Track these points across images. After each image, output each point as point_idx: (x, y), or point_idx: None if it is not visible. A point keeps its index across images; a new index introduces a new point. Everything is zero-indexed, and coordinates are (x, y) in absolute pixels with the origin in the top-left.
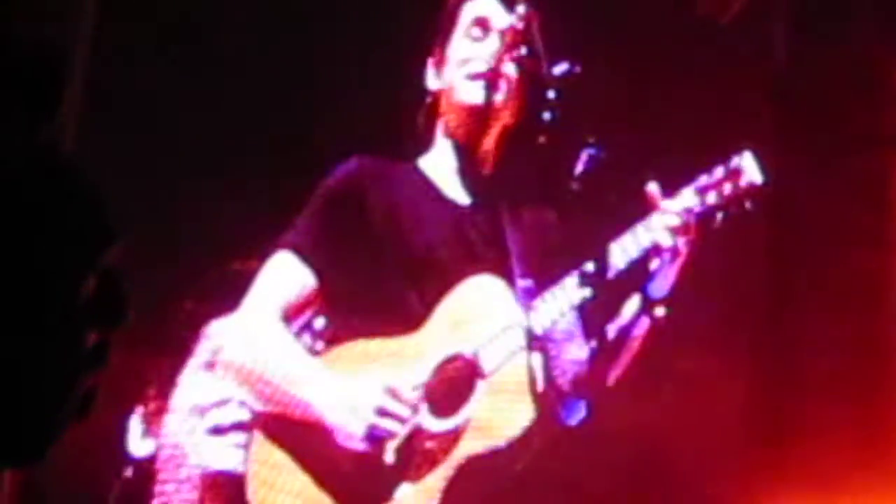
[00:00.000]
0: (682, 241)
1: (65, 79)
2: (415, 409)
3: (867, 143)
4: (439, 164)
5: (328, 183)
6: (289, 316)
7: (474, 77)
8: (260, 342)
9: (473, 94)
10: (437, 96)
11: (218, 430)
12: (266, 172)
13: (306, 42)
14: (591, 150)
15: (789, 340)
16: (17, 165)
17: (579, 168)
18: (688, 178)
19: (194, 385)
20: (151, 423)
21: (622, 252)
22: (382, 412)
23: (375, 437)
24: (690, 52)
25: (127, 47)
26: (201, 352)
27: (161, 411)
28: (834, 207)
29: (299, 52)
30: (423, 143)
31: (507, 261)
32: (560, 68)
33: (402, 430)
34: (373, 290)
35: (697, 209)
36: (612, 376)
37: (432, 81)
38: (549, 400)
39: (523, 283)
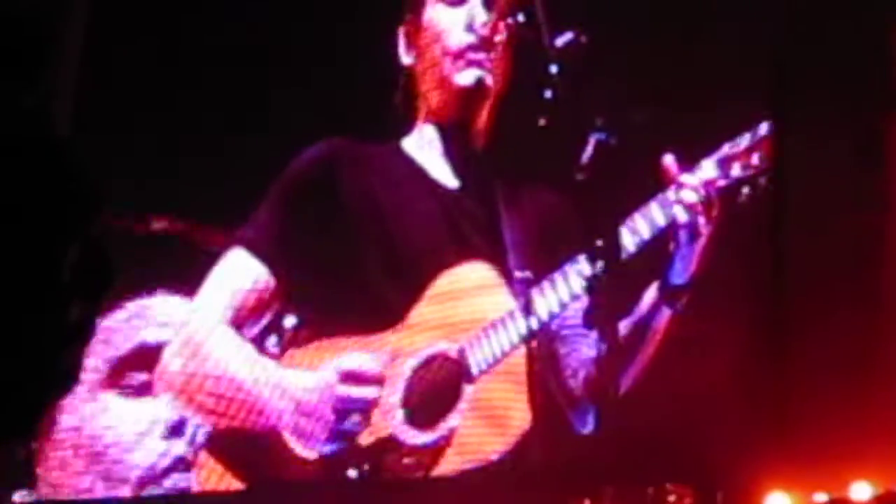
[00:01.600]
0: (702, 220)
1: (47, 47)
2: (380, 382)
3: (871, 105)
4: (425, 145)
5: (292, 169)
6: (242, 319)
7: (463, 52)
8: (206, 349)
9: (464, 77)
10: (412, 73)
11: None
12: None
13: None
14: (600, 135)
15: (790, 306)
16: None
17: (586, 155)
18: (706, 150)
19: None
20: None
21: (632, 233)
22: (343, 402)
23: (340, 435)
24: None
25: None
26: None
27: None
28: (836, 172)
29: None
30: (405, 122)
31: (501, 249)
32: (563, 38)
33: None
34: (347, 284)
35: (720, 182)
36: (627, 381)
37: (406, 56)
38: (552, 406)
39: (520, 274)
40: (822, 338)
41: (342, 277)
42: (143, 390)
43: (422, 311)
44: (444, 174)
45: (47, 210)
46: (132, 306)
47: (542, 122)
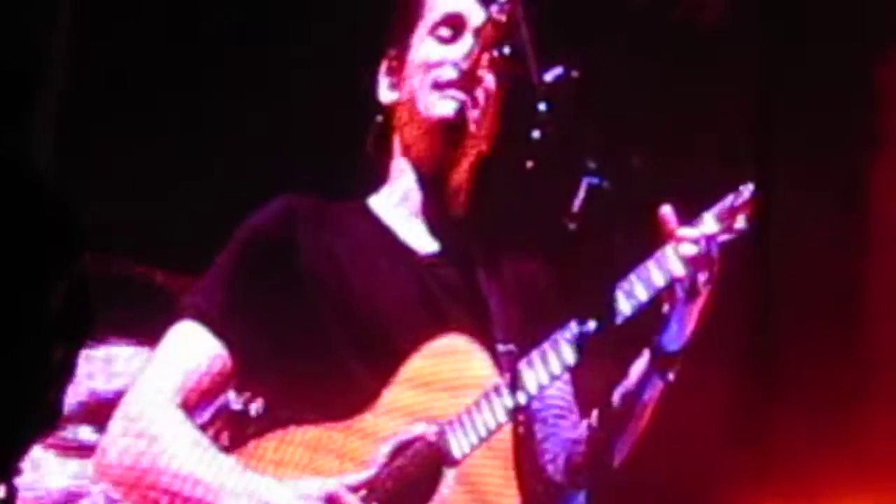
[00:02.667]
0: (702, 277)
1: (31, 90)
2: None
3: (849, 145)
4: (396, 203)
5: (247, 228)
6: (193, 402)
7: (442, 85)
8: (155, 439)
9: (441, 107)
10: (390, 113)
11: None
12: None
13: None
14: (593, 179)
15: (773, 347)
16: None
17: (577, 202)
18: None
19: None
20: None
21: (628, 297)
22: None
23: None
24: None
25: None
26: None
27: None
28: (818, 212)
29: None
30: (375, 175)
31: (483, 322)
32: (553, 73)
33: None
34: (312, 361)
35: (722, 237)
36: (620, 456)
37: (385, 92)
38: (538, 493)
39: (504, 347)
40: (808, 380)
41: (305, 354)
42: (85, 450)
43: (396, 392)
44: (417, 237)
45: (31, 251)
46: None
47: (529, 164)
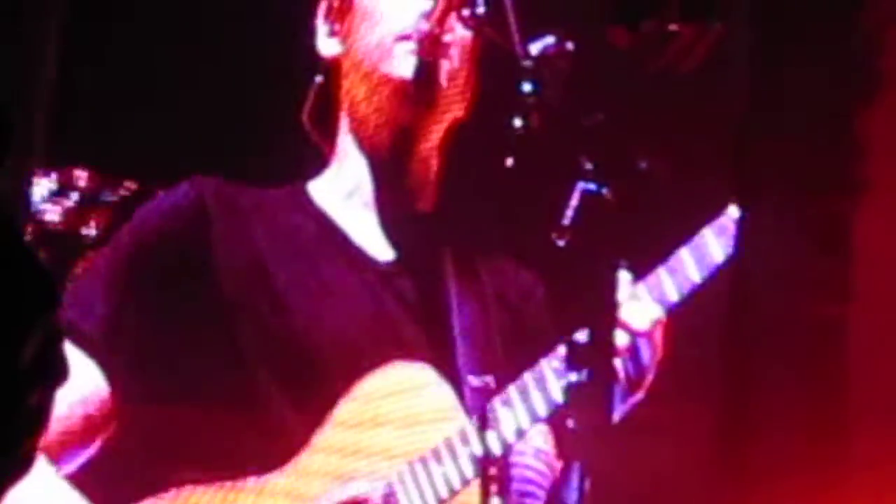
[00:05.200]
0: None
1: (7, 136)
2: None
3: (829, 190)
4: (343, 193)
5: (141, 222)
6: (63, 447)
7: (399, 37)
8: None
9: (402, 63)
10: (333, 70)
11: None
12: None
13: None
14: (589, 185)
15: (749, 388)
16: None
17: (569, 212)
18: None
19: None
20: None
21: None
22: None
23: None
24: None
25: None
26: None
27: None
28: (794, 255)
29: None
30: (315, 154)
31: (448, 345)
32: (541, 44)
33: None
34: (217, 397)
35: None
36: None
37: (326, 42)
38: None
39: (476, 380)
40: (784, 430)
41: (215, 385)
42: None
43: (329, 437)
44: (369, 238)
45: (4, 305)
46: None
47: (509, 162)
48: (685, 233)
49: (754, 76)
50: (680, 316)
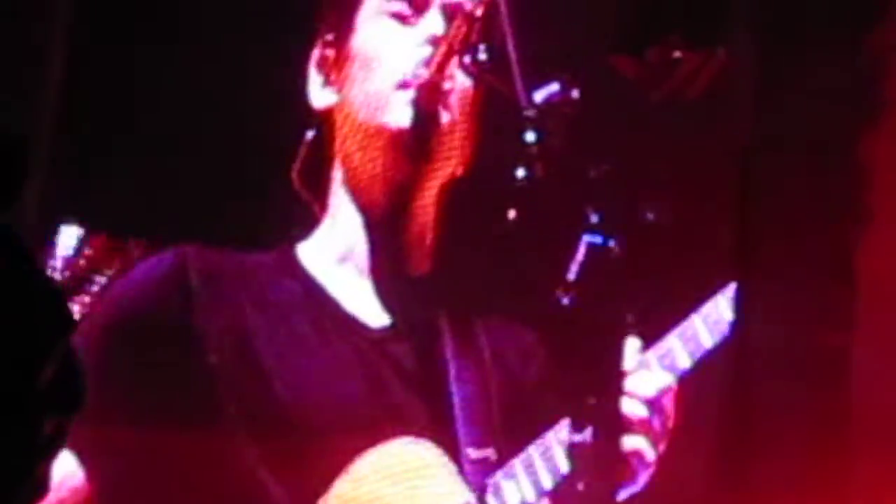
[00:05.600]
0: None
1: (23, 168)
2: None
3: (834, 219)
4: (335, 255)
5: (120, 294)
6: None
7: (399, 86)
8: None
9: (397, 113)
10: (328, 123)
11: None
12: None
13: None
14: (595, 237)
15: (752, 413)
16: None
17: (574, 267)
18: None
19: None
20: None
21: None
22: None
23: None
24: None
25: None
26: None
27: None
28: (798, 283)
29: None
30: (305, 215)
31: (450, 418)
32: (546, 91)
33: None
34: (201, 483)
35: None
36: None
37: (319, 93)
38: None
39: (476, 453)
40: (787, 454)
41: (198, 467)
42: None
43: None
44: (363, 304)
45: (20, 331)
46: None
47: (511, 214)
48: (692, 282)
49: (758, 102)
50: None
